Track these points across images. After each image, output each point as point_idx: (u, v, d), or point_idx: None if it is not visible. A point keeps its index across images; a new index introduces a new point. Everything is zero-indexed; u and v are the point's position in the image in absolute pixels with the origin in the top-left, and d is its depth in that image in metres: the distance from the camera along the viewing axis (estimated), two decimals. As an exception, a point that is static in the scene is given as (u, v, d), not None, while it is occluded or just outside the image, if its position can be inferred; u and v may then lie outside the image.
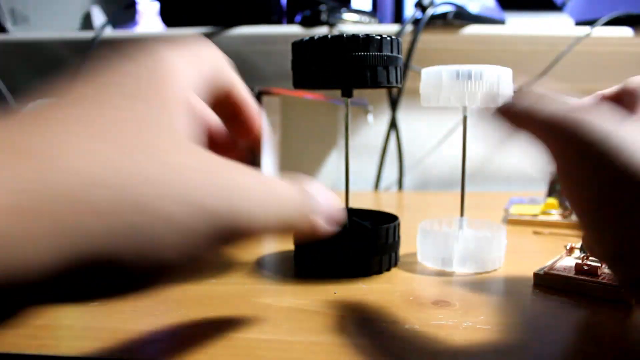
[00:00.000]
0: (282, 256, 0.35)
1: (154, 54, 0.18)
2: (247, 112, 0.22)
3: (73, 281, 0.14)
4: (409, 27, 0.63)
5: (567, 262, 0.30)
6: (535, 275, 0.29)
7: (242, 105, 0.21)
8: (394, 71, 0.29)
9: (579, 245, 0.34)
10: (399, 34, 0.62)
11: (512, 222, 0.45)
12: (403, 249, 0.34)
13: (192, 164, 0.16)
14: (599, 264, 0.28)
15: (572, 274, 0.28)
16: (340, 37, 0.28)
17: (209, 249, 0.16)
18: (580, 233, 0.26)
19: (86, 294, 0.15)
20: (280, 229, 0.18)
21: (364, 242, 0.29)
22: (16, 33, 0.70)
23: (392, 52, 0.29)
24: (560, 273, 0.28)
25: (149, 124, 0.16)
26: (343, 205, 0.24)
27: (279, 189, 0.18)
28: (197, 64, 0.19)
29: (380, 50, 0.28)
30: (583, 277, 0.27)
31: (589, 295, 0.27)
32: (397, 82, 0.30)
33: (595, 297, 0.26)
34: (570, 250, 0.32)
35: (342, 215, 0.20)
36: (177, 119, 0.17)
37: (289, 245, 0.38)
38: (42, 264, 0.13)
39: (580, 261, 0.28)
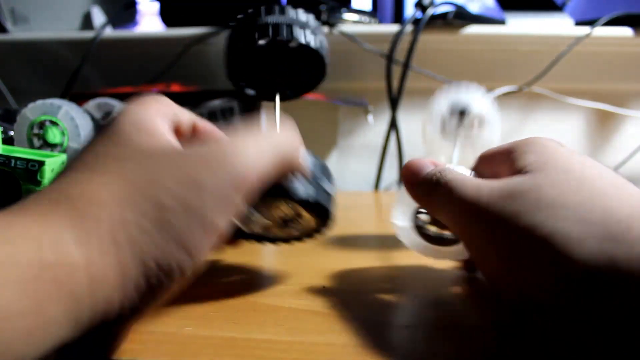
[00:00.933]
0: (282, 256, 0.35)
1: (127, 111, 0.22)
2: (212, 133, 0.26)
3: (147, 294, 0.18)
4: (409, 27, 0.63)
5: None
6: None
7: (207, 130, 0.26)
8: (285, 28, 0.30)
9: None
10: (399, 34, 0.62)
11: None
12: (401, 249, 0.34)
13: (193, 150, 0.20)
14: None
15: None
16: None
17: (239, 197, 0.20)
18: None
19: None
20: (278, 166, 0.22)
21: None
22: (16, 33, 0.70)
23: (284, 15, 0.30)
24: None
25: (139, 142, 0.20)
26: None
27: (266, 137, 0.22)
28: (160, 109, 0.23)
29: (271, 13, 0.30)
30: None
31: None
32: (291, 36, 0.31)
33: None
34: None
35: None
36: (159, 126, 0.22)
37: (289, 247, 0.38)
38: (125, 276, 0.17)
39: None
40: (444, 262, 0.34)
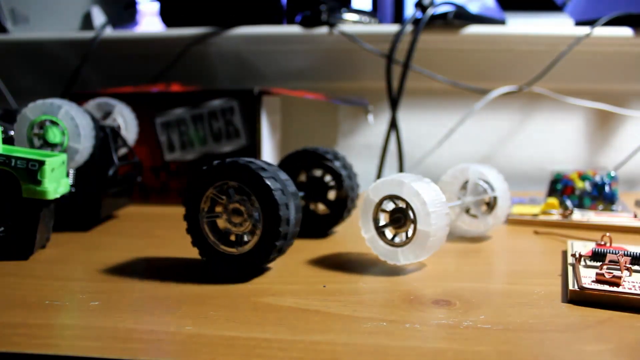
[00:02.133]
0: (282, 256, 0.35)
1: None
2: None
3: None
4: (409, 27, 0.63)
5: (585, 273, 0.29)
6: (572, 292, 0.27)
7: None
8: None
9: (581, 249, 0.34)
10: (399, 34, 0.62)
11: (512, 221, 0.45)
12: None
13: None
14: (620, 274, 0.27)
15: (606, 287, 0.26)
16: None
17: None
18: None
19: None
20: None
21: None
22: (16, 33, 0.70)
23: None
24: (601, 288, 0.26)
25: None
26: None
27: None
28: None
29: None
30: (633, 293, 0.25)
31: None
32: None
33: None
34: (580, 259, 0.30)
35: None
36: None
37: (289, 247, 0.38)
38: None
39: (599, 271, 0.27)
40: (444, 262, 0.34)
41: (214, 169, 0.30)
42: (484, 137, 0.69)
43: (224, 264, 0.31)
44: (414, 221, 0.31)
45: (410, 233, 0.32)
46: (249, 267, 0.30)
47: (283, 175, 0.30)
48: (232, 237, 0.31)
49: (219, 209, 0.31)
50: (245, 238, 0.30)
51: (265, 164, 0.30)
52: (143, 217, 0.49)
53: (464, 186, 0.40)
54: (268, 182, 0.29)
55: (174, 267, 0.33)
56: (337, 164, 0.40)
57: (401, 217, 0.32)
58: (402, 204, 0.32)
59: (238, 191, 0.30)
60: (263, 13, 0.68)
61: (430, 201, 0.30)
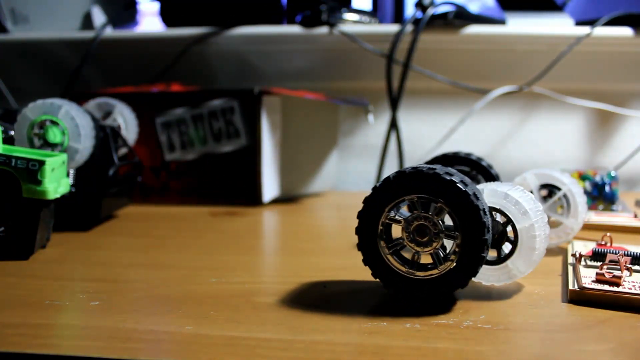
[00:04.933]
0: (283, 256, 0.35)
1: None
2: None
3: None
4: (409, 27, 0.63)
5: (585, 273, 0.28)
6: (572, 292, 0.26)
7: None
8: None
9: (581, 249, 0.34)
10: (399, 34, 0.62)
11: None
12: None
13: None
14: (621, 274, 0.27)
15: (605, 287, 0.26)
16: None
17: None
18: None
19: None
20: None
21: None
22: (16, 33, 0.70)
23: None
24: (601, 288, 0.26)
25: None
26: None
27: None
28: None
29: None
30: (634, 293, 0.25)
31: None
32: None
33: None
34: (580, 259, 0.30)
35: None
36: None
37: (290, 247, 0.38)
38: None
39: (599, 271, 0.27)
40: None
41: (391, 184, 0.26)
42: (484, 137, 0.69)
43: (418, 290, 0.26)
44: (513, 226, 0.27)
45: (509, 245, 0.28)
46: (454, 286, 0.25)
47: (464, 176, 0.26)
48: (415, 257, 0.26)
49: (398, 229, 0.26)
50: (441, 254, 0.26)
51: (441, 167, 0.25)
52: (143, 217, 0.49)
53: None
54: (463, 188, 0.24)
55: (173, 266, 0.33)
56: (483, 163, 0.38)
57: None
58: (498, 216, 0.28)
59: (416, 206, 0.26)
60: (263, 13, 0.68)
61: (522, 198, 0.27)
